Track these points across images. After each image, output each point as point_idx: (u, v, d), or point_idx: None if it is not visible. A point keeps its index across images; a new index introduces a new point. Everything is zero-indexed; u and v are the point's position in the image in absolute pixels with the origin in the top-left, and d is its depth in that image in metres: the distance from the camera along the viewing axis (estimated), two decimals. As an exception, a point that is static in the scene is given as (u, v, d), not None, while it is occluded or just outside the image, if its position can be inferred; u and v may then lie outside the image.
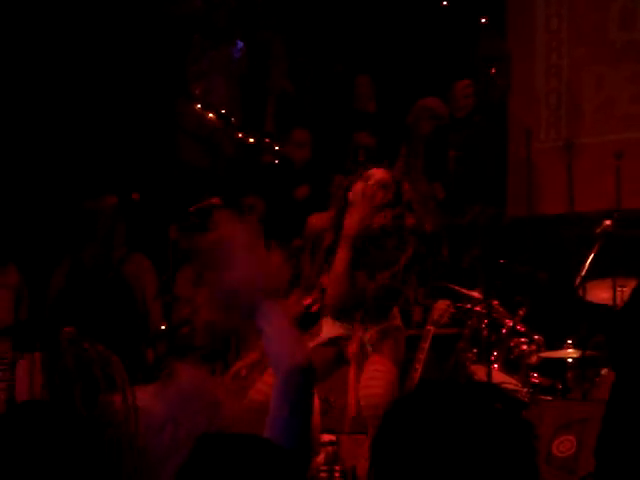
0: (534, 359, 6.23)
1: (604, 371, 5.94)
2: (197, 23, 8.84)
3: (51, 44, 8.43)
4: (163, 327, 7.03)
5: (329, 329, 5.05)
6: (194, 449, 1.96)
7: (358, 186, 4.99)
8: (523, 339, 6.30)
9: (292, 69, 9.19)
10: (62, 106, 8.39)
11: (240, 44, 8.86)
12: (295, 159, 8.28)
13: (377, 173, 5.02)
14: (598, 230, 6.40)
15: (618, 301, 5.99)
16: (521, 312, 6.43)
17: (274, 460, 1.95)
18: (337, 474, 5.67)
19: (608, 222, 6.40)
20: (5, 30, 8.30)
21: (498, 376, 6.00)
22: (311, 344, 4.77)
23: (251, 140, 6.98)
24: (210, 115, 7.60)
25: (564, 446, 5.20)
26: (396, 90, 8.68)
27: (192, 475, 1.91)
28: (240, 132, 7.10)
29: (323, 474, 5.64)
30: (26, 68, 8.36)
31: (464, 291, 6.51)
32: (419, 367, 6.00)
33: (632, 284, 6.25)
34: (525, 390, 6.03)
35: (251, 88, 8.92)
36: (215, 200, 7.03)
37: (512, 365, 6.26)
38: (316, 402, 5.10)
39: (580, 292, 6.45)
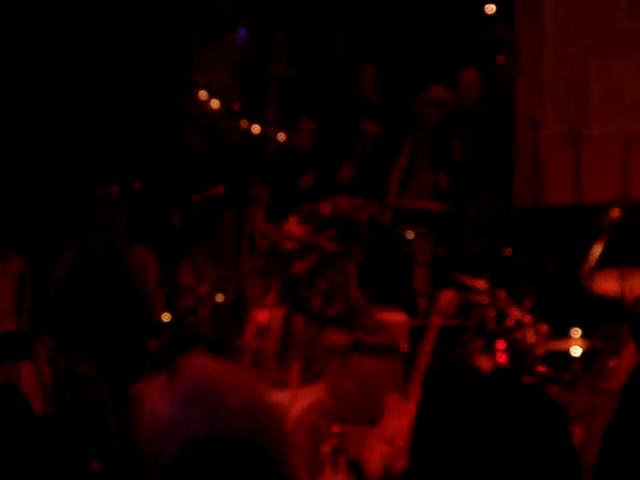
0: (540, 350, 6.19)
1: (611, 362, 5.89)
2: (200, 14, 8.81)
3: (56, 34, 8.40)
4: (166, 317, 6.99)
5: None
6: (178, 453, 1.91)
7: None
8: (529, 330, 6.26)
9: (296, 58, 9.15)
10: (67, 94, 8.37)
11: (242, 31, 8.84)
12: (299, 147, 8.24)
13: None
14: (605, 221, 6.36)
15: (625, 291, 5.96)
16: (527, 303, 6.38)
17: (253, 464, 1.89)
18: (342, 464, 5.64)
19: (615, 213, 6.36)
20: (8, 18, 8.29)
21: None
22: None
23: (256, 129, 6.94)
24: (214, 103, 7.55)
25: (570, 437, 5.15)
26: (403, 79, 8.64)
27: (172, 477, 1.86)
28: (244, 121, 7.06)
29: (328, 464, 5.61)
30: (33, 59, 8.34)
31: (470, 282, 6.47)
32: (425, 358, 5.96)
33: (639, 274, 6.25)
34: (531, 381, 5.99)
35: (252, 75, 8.89)
36: (219, 189, 7.01)
37: (518, 356, 6.22)
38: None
39: (587, 283, 6.41)
